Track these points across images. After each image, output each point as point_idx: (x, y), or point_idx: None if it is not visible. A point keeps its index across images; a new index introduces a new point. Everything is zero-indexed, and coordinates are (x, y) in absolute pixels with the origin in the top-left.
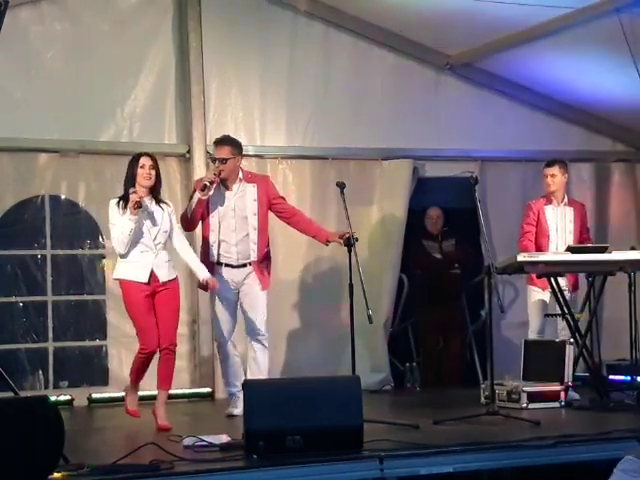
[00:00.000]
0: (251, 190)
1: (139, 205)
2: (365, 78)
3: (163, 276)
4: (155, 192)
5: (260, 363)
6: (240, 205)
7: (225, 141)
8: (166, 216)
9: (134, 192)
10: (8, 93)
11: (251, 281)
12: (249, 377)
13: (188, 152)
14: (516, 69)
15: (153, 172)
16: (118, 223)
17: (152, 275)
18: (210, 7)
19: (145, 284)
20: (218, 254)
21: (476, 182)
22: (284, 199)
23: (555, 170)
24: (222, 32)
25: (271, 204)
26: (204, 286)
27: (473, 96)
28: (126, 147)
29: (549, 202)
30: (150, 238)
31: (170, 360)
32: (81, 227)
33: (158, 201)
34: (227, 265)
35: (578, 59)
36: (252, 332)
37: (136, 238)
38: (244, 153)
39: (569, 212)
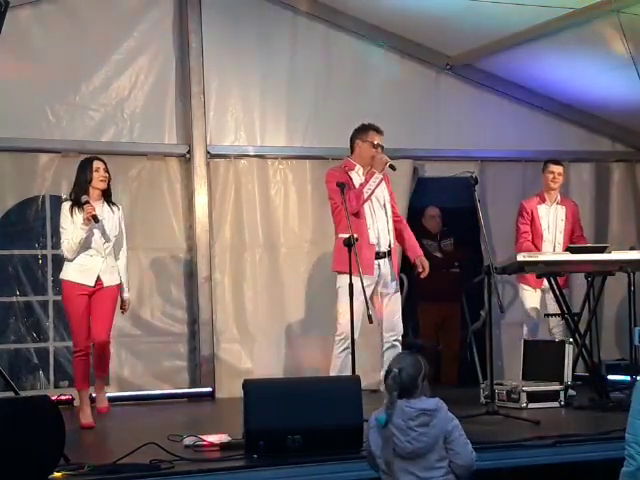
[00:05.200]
0: None
1: (95, 219)
2: (365, 78)
3: (107, 281)
4: (107, 195)
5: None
6: None
7: None
8: (116, 220)
9: (89, 204)
10: (8, 93)
11: None
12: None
13: (188, 152)
14: (516, 69)
15: (107, 175)
16: (69, 228)
17: (98, 279)
18: (210, 7)
19: (91, 287)
20: None
21: (476, 182)
22: None
23: (561, 169)
24: (222, 32)
25: None
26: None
27: (473, 96)
28: (126, 147)
29: (542, 201)
30: (100, 242)
31: (106, 353)
32: None
33: (110, 203)
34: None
35: (578, 59)
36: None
37: (86, 242)
38: (244, 153)
39: (561, 211)
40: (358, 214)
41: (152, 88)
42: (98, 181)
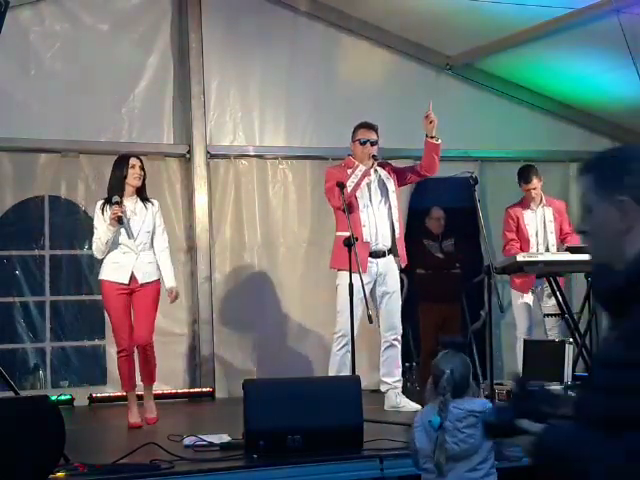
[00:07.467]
0: None
1: (120, 221)
2: (365, 78)
3: (142, 278)
4: (142, 192)
5: None
6: None
7: None
8: (150, 216)
9: (117, 205)
10: (8, 93)
11: None
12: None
13: (188, 152)
14: (516, 69)
15: (142, 172)
16: (100, 228)
17: (132, 276)
18: (210, 7)
19: (125, 285)
20: None
21: (476, 182)
22: None
23: (534, 183)
24: (222, 32)
25: None
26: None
27: (473, 96)
28: (126, 147)
29: (527, 206)
30: (131, 239)
31: (150, 357)
32: (80, 228)
33: (144, 200)
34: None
35: (578, 59)
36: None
37: (118, 239)
38: (244, 153)
39: (548, 212)
40: (352, 210)
41: (151, 88)
42: (133, 178)
